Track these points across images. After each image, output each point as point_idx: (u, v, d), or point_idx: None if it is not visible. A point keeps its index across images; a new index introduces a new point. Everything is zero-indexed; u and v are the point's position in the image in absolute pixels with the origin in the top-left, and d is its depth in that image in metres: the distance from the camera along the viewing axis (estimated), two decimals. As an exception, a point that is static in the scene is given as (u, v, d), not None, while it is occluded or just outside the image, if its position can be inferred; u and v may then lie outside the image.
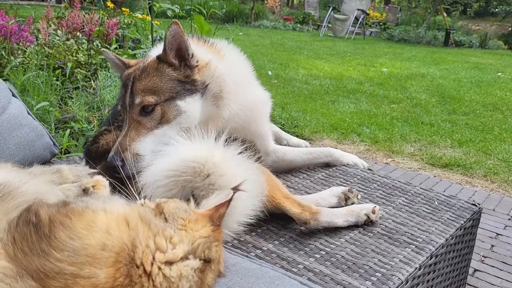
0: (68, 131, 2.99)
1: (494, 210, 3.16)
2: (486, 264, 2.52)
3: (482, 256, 2.59)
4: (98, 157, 1.59)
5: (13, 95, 1.51)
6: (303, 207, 1.57)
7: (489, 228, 2.89)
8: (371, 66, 8.60)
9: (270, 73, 7.04)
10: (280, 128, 4.52)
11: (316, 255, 1.45)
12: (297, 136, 4.37)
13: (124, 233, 0.83)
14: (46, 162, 1.54)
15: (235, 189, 1.02)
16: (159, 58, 1.50)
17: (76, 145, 3.23)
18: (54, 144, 1.56)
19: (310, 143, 4.27)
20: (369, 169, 2.18)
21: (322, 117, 4.95)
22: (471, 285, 2.32)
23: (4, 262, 0.78)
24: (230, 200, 0.99)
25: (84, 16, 6.19)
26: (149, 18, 5.98)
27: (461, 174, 3.76)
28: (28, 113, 1.52)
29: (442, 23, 15.79)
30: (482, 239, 2.70)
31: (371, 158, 3.99)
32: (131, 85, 1.47)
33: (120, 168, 1.33)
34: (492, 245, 2.72)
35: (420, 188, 1.98)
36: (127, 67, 1.58)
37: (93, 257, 0.79)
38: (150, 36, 4.83)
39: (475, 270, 2.45)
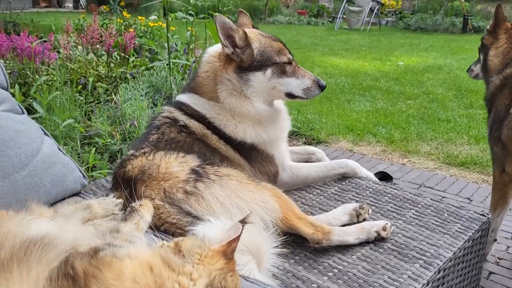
0: (94, 149, 3.13)
1: (510, 209, 3.18)
2: (501, 266, 2.57)
3: (497, 258, 2.64)
4: (125, 181, 1.72)
5: (45, 133, 1.65)
6: (316, 227, 1.67)
7: (504, 228, 2.92)
8: (387, 60, 8.58)
9: (285, 73, 7.10)
10: (296, 131, 4.62)
11: (329, 274, 1.55)
12: (313, 140, 4.47)
13: (150, 280, 0.94)
14: (77, 193, 1.67)
15: (243, 222, 1.13)
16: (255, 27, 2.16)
17: (101, 160, 3.39)
18: (84, 176, 1.69)
19: (326, 146, 4.36)
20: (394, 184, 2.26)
21: (338, 119, 5.01)
22: (486, 288, 2.39)
23: None
24: (240, 234, 1.09)
25: (102, 27, 6.38)
26: (164, 25, 6.12)
27: (478, 172, 3.79)
28: (59, 149, 1.65)
29: (460, 8, 15.51)
30: (498, 240, 2.73)
31: (387, 159, 4.05)
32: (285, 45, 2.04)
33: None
34: (508, 246, 2.77)
35: (430, 199, 2.05)
36: (241, 32, 1.91)
37: None
38: (166, 45, 4.97)
39: (490, 273, 2.51)
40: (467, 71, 2.89)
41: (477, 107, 5.53)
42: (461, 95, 6.06)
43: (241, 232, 1.09)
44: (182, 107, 2.04)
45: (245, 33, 1.93)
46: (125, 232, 1.28)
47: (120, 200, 1.47)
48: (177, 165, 1.68)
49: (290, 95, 2.02)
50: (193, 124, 1.99)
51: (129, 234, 1.27)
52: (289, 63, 1.99)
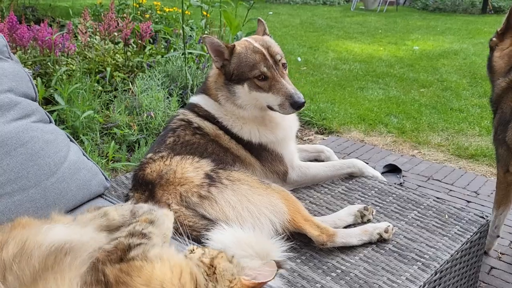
0: (113, 142, 3.27)
1: (516, 204, 3.25)
2: (503, 261, 2.67)
3: (500, 253, 2.73)
4: (144, 184, 1.86)
5: (71, 140, 1.78)
6: (321, 229, 1.78)
7: (509, 223, 3.00)
8: (402, 45, 8.52)
9: (299, 59, 7.13)
10: (309, 120, 4.70)
11: (333, 274, 1.67)
12: (325, 129, 4.55)
13: None
14: (100, 195, 1.81)
15: (279, 266, 1.19)
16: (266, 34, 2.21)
17: (119, 150, 3.54)
18: (106, 178, 1.82)
19: (337, 136, 4.45)
20: (400, 184, 2.35)
21: (350, 107, 5.07)
22: (486, 283, 2.49)
23: None
24: (273, 279, 1.14)
25: (118, 13, 6.45)
26: (180, 10, 6.18)
27: (487, 165, 3.84)
28: (84, 154, 1.78)
29: (480, -12, 15.11)
30: (502, 235, 2.81)
31: (398, 151, 4.12)
32: (268, 51, 2.01)
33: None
34: (511, 242, 2.85)
35: (433, 200, 2.14)
36: (228, 47, 2.01)
37: None
38: (181, 34, 5.05)
39: (492, 268, 2.61)
40: None
41: (491, 96, 5.52)
42: (476, 83, 6.04)
43: (274, 277, 1.14)
44: (195, 109, 2.16)
45: (232, 48, 2.02)
46: (145, 211, 1.38)
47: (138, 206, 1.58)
48: (192, 170, 1.80)
49: (270, 108, 2.06)
50: (206, 126, 2.12)
51: (149, 212, 1.36)
52: (264, 77, 1.99)
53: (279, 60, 2.04)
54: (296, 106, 1.98)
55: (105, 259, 1.12)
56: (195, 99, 2.21)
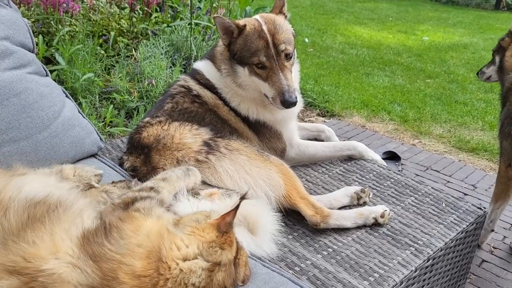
0: (111, 106, 3.22)
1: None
2: (495, 255, 2.65)
3: (492, 247, 2.72)
4: (139, 147, 1.82)
5: (66, 96, 1.73)
6: (316, 209, 1.75)
7: (504, 218, 2.98)
8: (412, 34, 8.39)
9: (306, 40, 7.03)
10: (311, 102, 4.64)
11: (324, 252, 1.65)
12: (326, 112, 4.50)
13: (156, 239, 1.09)
14: (93, 155, 1.77)
15: (242, 198, 1.20)
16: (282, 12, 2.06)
17: (117, 116, 3.49)
18: (101, 139, 1.78)
19: (339, 119, 4.40)
20: (399, 170, 2.31)
21: (354, 92, 5.01)
22: (476, 275, 2.48)
23: (73, 247, 1.06)
24: (236, 209, 1.16)
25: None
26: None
27: (487, 159, 3.81)
28: (79, 111, 1.74)
29: (495, -17, 14.87)
30: (496, 229, 2.79)
31: (398, 139, 4.08)
32: (273, 38, 1.91)
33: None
34: (505, 237, 2.83)
35: (431, 188, 2.11)
36: (239, 27, 1.92)
37: (131, 250, 1.06)
38: (189, 3, 4.95)
39: (483, 261, 2.60)
40: (477, 74, 2.92)
41: (497, 91, 5.42)
42: (483, 78, 5.96)
43: (237, 207, 1.16)
44: (197, 76, 2.11)
45: (242, 28, 1.94)
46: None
47: (101, 172, 1.49)
48: (190, 137, 1.76)
49: (266, 97, 2.00)
50: (206, 94, 2.06)
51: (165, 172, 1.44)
52: (263, 66, 1.92)
53: (282, 51, 1.93)
54: (285, 104, 1.90)
55: (108, 211, 1.18)
56: (199, 64, 2.16)
